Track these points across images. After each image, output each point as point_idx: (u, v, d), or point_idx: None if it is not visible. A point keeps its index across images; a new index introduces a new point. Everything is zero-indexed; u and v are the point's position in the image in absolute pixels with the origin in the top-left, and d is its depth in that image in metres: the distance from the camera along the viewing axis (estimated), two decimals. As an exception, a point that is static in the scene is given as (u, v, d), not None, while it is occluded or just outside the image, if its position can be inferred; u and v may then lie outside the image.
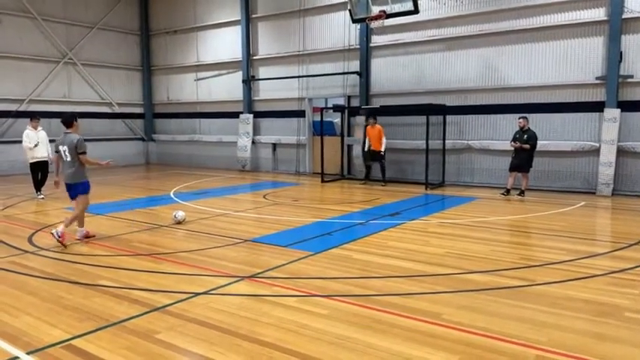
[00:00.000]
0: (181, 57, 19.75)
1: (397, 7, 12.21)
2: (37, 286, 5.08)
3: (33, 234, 7.49)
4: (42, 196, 11.09)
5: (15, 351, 3.59)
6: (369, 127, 13.35)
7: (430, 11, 13.33)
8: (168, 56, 20.22)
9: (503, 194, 11.00)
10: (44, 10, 17.42)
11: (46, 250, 6.54)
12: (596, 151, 11.42)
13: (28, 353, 3.56)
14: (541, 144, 11.04)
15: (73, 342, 3.74)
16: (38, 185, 11.20)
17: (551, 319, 4.13)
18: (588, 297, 4.67)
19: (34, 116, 11.53)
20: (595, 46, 11.40)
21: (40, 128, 11.29)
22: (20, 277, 5.37)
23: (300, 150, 16.65)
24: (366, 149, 13.61)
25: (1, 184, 13.91)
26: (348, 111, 15.29)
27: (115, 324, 4.06)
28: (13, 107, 16.66)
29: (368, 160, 13.71)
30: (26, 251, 6.49)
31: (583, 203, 10.04)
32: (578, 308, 4.39)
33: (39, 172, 11.18)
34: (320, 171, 14.42)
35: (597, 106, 11.40)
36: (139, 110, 20.93)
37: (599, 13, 11.28)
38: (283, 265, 5.78)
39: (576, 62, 11.64)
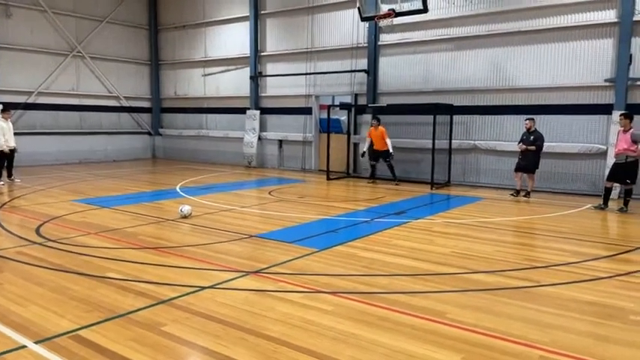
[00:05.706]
0: (189, 52, 19.79)
1: (406, 6, 12.20)
2: (44, 276, 5.13)
3: (40, 225, 7.56)
4: (19, 180, 12.41)
5: (23, 340, 3.63)
6: (372, 128, 13.34)
7: (439, 10, 13.29)
8: (176, 51, 20.26)
9: (512, 195, 10.98)
10: (54, 3, 17.48)
11: (53, 241, 6.60)
12: (603, 154, 11.35)
13: (36, 342, 3.59)
14: (548, 145, 11.00)
15: (80, 332, 3.78)
16: (9, 170, 12.44)
17: (556, 320, 4.14)
18: (593, 299, 4.67)
19: (5, 109, 12.60)
20: (605, 48, 11.33)
21: (9, 120, 12.45)
22: (28, 268, 5.42)
23: (306, 147, 16.66)
24: (365, 148, 13.52)
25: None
26: (355, 109, 15.28)
27: (121, 315, 4.10)
28: (22, 99, 16.76)
29: (372, 159, 13.62)
30: (34, 242, 6.55)
31: (589, 206, 10.00)
32: (583, 310, 4.40)
33: (7, 158, 12.33)
34: (326, 168, 14.44)
35: (605, 109, 11.33)
36: (146, 104, 20.98)
37: (609, 15, 11.21)
38: (288, 261, 5.80)
39: (585, 64, 11.58)
